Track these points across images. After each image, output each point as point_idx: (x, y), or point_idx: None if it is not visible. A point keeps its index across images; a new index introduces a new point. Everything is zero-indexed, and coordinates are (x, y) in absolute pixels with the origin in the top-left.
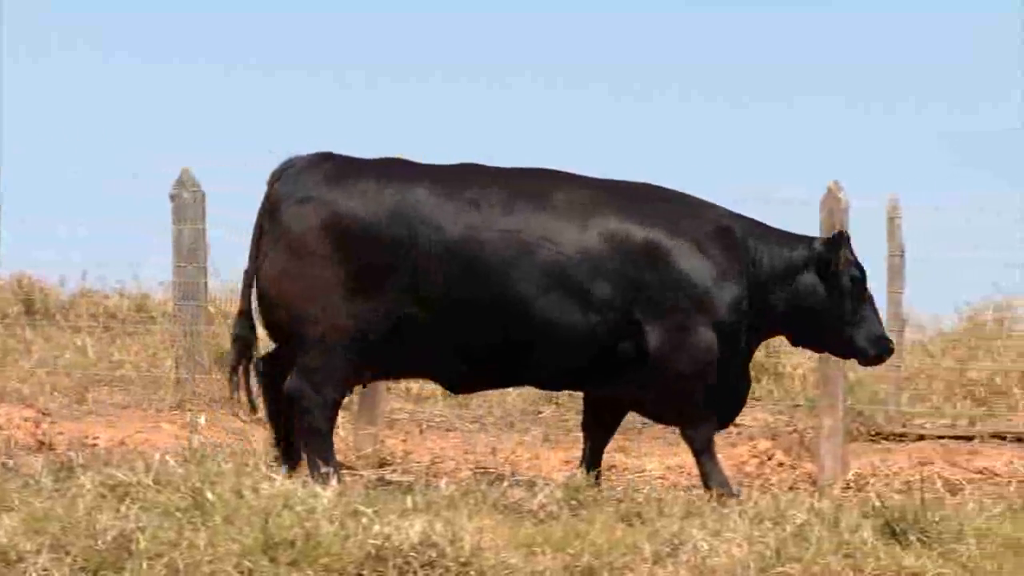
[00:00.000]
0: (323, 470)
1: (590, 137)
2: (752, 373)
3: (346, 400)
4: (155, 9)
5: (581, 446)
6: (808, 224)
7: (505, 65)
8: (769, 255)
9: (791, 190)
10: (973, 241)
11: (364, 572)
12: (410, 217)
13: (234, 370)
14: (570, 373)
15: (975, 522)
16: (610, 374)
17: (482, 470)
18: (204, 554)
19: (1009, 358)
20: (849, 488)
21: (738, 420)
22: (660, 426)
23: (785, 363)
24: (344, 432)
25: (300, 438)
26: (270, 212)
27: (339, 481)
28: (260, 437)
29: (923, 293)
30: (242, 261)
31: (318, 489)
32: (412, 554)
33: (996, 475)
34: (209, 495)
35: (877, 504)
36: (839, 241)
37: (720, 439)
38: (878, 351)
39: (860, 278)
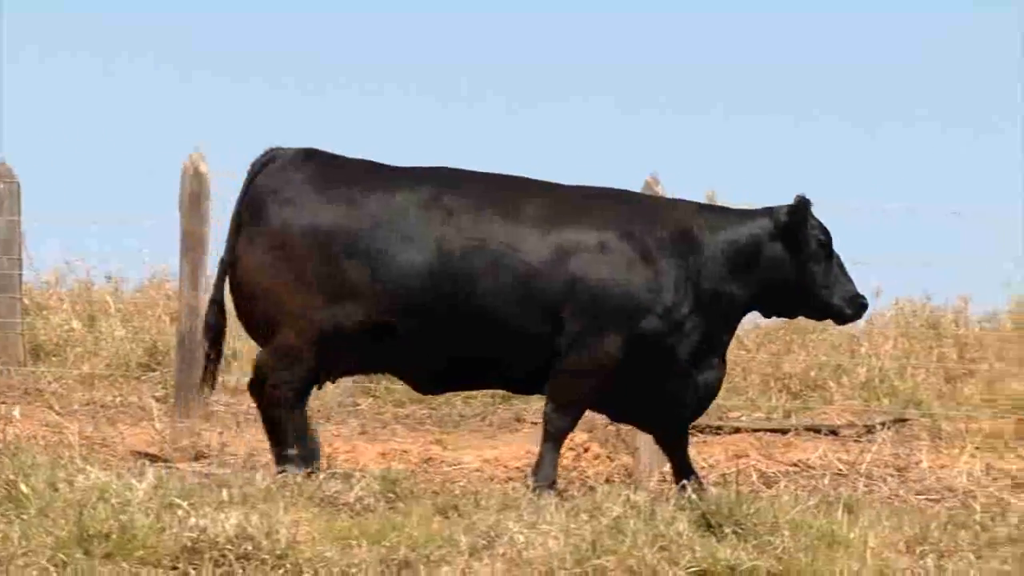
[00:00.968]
0: (285, 453)
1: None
2: None
3: (163, 393)
4: None
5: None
6: None
7: (505, 66)
8: (733, 238)
9: None
10: None
11: (179, 565)
12: (391, 225)
13: (207, 358)
14: (533, 375)
15: (789, 514)
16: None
17: None
18: (18, 547)
19: (823, 352)
20: (665, 481)
21: None
22: (477, 420)
23: None
24: (160, 425)
25: (261, 413)
26: (251, 205)
27: (302, 464)
28: (75, 430)
29: None
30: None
31: (133, 481)
32: (228, 547)
33: (810, 468)
34: (23, 487)
35: (692, 497)
36: (801, 207)
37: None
38: (854, 310)
39: (826, 240)
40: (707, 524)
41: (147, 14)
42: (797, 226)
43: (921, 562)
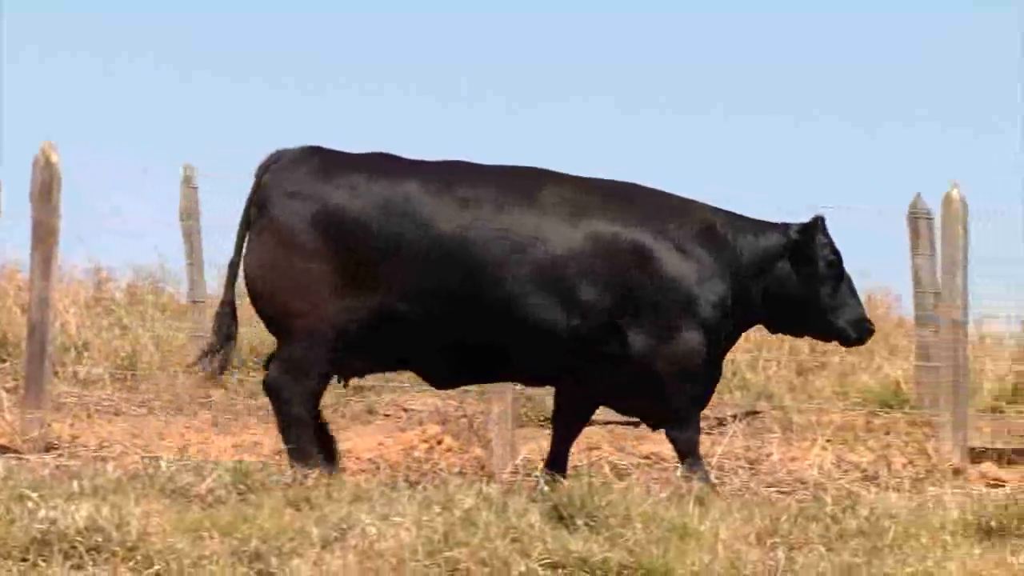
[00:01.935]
0: (304, 460)
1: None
2: None
3: (13, 384)
4: None
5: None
6: None
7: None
8: (749, 247)
9: None
10: None
11: (29, 557)
12: (399, 213)
13: (213, 356)
14: (552, 370)
15: (641, 507)
16: (590, 372)
17: (150, 455)
18: None
19: None
20: (518, 473)
21: (407, 404)
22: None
23: None
24: (11, 416)
25: (279, 428)
26: (258, 204)
27: (320, 470)
28: None
29: None
30: None
31: None
32: (78, 539)
33: (663, 460)
34: None
35: (544, 489)
36: (814, 226)
37: (391, 423)
38: (859, 333)
39: (836, 261)
40: (559, 516)
41: (146, 14)
42: (807, 244)
43: (772, 554)
